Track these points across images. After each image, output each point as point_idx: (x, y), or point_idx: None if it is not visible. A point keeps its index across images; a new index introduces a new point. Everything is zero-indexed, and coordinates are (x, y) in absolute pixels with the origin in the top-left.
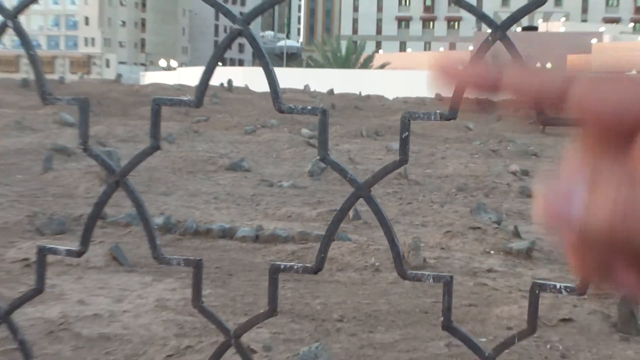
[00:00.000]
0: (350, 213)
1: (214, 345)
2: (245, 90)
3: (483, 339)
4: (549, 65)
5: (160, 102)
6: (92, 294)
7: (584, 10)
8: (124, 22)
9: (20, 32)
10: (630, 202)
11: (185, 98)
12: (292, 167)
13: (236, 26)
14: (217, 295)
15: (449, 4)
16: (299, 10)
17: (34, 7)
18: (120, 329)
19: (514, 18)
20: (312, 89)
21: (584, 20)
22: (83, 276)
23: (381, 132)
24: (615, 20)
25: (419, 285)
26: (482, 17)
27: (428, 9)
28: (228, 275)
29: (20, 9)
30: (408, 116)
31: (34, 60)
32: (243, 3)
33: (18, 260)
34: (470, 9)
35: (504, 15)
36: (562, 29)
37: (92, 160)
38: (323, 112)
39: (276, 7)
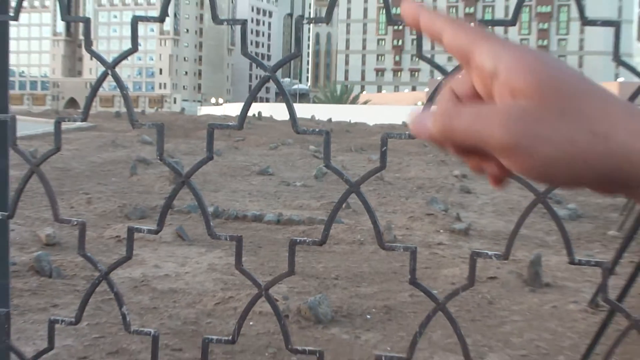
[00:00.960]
0: (347, 204)
1: (249, 295)
2: (270, 119)
3: (435, 292)
4: None
5: (213, 126)
6: (164, 260)
7: None
8: (186, 72)
9: (116, 78)
10: (449, 115)
11: (231, 123)
12: (303, 172)
13: (267, 73)
14: (250, 261)
15: (412, 59)
16: (308, 63)
17: (124, 61)
18: (183, 285)
19: (459, 66)
20: (316, 118)
21: None
22: (157, 248)
23: (364, 148)
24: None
25: (391, 253)
26: (437, 67)
27: (397, 62)
28: (258, 247)
29: (117, 62)
30: (386, 136)
31: (126, 98)
32: (268, 57)
33: (112, 237)
34: (428, 60)
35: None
36: None
37: (165, 167)
38: (327, 133)
39: (292, 60)
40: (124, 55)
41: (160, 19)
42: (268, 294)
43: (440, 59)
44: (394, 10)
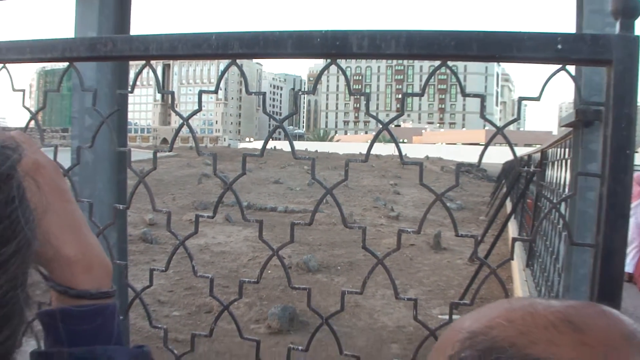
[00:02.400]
0: (325, 199)
1: (267, 255)
2: (281, 150)
3: (378, 253)
4: (406, 140)
5: (245, 154)
6: (218, 234)
7: (420, 119)
8: (231, 123)
9: (189, 126)
10: None
11: (256, 153)
12: (300, 182)
13: (277, 123)
14: (268, 235)
15: (364, 116)
16: (303, 117)
17: (196, 115)
18: (229, 248)
19: (391, 120)
20: (308, 150)
21: (420, 123)
22: (214, 227)
23: (337, 168)
24: (432, 123)
25: (353, 231)
26: (376, 119)
27: (356, 117)
28: (273, 227)
29: (189, 117)
30: (348, 161)
31: (195, 138)
32: (280, 113)
33: (187, 220)
34: (373, 116)
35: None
36: (410, 126)
37: (218, 179)
38: (312, 159)
39: (293, 116)
40: (194, 113)
41: (215, 92)
42: (278, 254)
43: (381, 116)
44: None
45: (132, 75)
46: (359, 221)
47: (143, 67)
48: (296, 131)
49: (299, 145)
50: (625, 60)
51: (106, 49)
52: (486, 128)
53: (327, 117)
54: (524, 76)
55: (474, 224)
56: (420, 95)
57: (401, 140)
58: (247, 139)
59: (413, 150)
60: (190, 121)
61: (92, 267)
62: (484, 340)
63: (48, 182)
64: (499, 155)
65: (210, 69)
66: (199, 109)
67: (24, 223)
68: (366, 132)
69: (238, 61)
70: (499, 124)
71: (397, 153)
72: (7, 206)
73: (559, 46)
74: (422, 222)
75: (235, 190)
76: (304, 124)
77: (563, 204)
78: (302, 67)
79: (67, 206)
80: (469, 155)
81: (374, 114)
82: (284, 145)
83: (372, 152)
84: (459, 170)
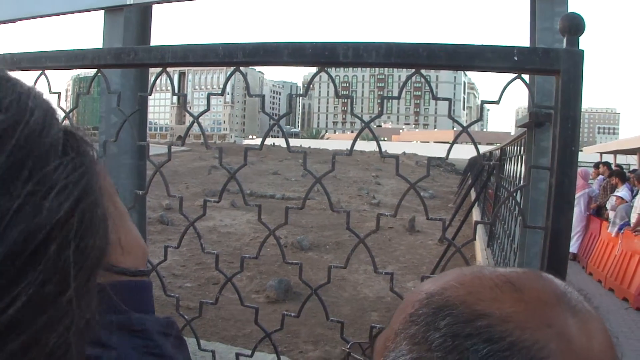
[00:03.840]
0: (316, 189)
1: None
2: (279, 147)
3: (361, 234)
4: (385, 139)
5: (247, 148)
6: (225, 217)
7: (397, 121)
8: (237, 122)
9: (200, 125)
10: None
11: (256, 147)
12: (295, 172)
13: (274, 121)
14: (267, 218)
15: (351, 117)
16: (298, 118)
17: (207, 115)
18: (233, 230)
19: (372, 119)
20: (302, 146)
21: (398, 124)
22: (221, 211)
23: (327, 161)
24: (408, 124)
25: (341, 215)
26: (359, 119)
27: (343, 118)
28: (272, 211)
29: (199, 115)
30: (334, 154)
31: (204, 135)
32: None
33: (199, 205)
34: (357, 116)
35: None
36: (390, 126)
37: (225, 171)
38: (304, 153)
39: (292, 115)
40: (203, 112)
41: (221, 94)
42: (274, 234)
43: (365, 117)
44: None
45: (151, 80)
46: (345, 207)
47: (160, 73)
48: (292, 130)
49: (294, 142)
50: (571, 70)
51: (129, 58)
52: (454, 129)
53: (318, 118)
54: (487, 84)
55: (443, 210)
56: (397, 98)
57: (382, 139)
58: (251, 137)
59: (392, 147)
60: (201, 120)
61: (131, 250)
62: (439, 299)
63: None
64: (465, 152)
65: (220, 76)
66: (207, 109)
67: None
68: (352, 131)
69: (242, 69)
70: (465, 124)
71: (378, 149)
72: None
73: (516, 58)
74: (398, 208)
75: (239, 179)
76: (299, 124)
77: (518, 193)
78: (298, 75)
79: (111, 191)
80: (440, 152)
81: (359, 115)
82: (281, 142)
83: (357, 148)
84: (429, 163)
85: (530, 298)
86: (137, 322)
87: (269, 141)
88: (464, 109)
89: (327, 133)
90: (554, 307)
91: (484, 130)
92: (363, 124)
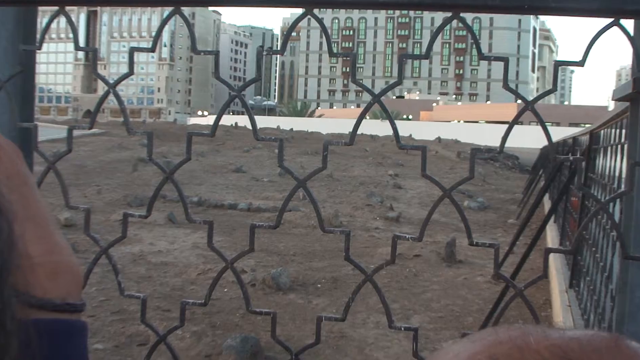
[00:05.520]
0: (300, 196)
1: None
2: (245, 128)
3: (372, 266)
4: (410, 116)
5: (192, 134)
6: (158, 239)
7: (429, 87)
8: (179, 90)
9: (117, 96)
10: None
11: (206, 132)
12: (269, 170)
13: (233, 93)
14: (226, 241)
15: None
16: (275, 84)
17: (130, 81)
18: (172, 259)
19: (385, 90)
20: (281, 128)
21: (429, 93)
22: (153, 229)
23: (319, 152)
24: (446, 94)
25: (337, 236)
26: (367, 90)
27: (345, 85)
28: (232, 229)
29: (116, 83)
30: (327, 143)
31: (124, 112)
32: (244, 79)
33: (117, 220)
34: (361, 85)
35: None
36: (417, 98)
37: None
38: (280, 140)
39: (262, 82)
40: (122, 78)
41: (151, 50)
42: (233, 267)
43: (379, 83)
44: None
45: (42, 25)
46: (347, 223)
47: (56, 14)
48: (265, 103)
49: (269, 121)
50: None
51: None
52: (518, 102)
53: (306, 85)
54: (571, 33)
55: (500, 229)
56: (425, 57)
57: (403, 117)
58: (200, 113)
59: (420, 129)
60: (122, 88)
61: (58, 273)
62: None
63: (8, 167)
64: (534, 138)
65: (152, 18)
66: (130, 72)
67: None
68: (358, 105)
69: (188, 9)
70: (536, 94)
71: (394, 135)
72: None
73: None
74: (424, 227)
75: (183, 181)
76: (276, 94)
77: (616, 203)
78: (275, 18)
79: (31, 196)
80: (496, 137)
81: (369, 80)
82: (249, 122)
83: (365, 131)
84: (474, 156)
85: None
86: None
87: (228, 120)
88: (533, 71)
89: (319, 108)
90: None
91: (565, 104)
92: (371, 98)
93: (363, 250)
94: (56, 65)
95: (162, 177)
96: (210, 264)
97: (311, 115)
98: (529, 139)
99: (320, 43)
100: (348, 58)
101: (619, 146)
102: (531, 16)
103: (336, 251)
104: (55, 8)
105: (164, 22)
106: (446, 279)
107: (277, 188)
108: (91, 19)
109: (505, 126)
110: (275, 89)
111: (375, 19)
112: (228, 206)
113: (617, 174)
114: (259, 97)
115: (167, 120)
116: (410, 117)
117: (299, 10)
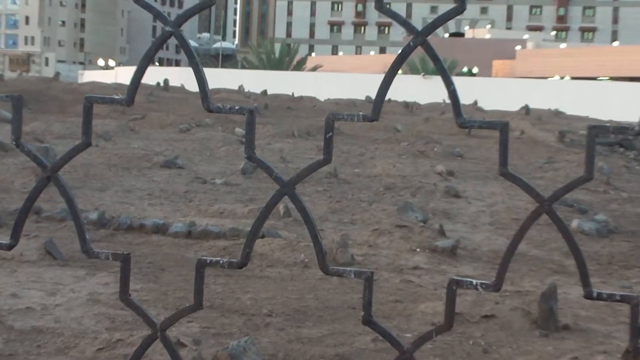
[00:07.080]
0: (281, 210)
1: (143, 338)
2: (181, 89)
3: (408, 335)
4: (475, 69)
5: (93, 100)
6: (25, 287)
7: (509, 18)
8: (63, 22)
9: None
10: None
11: (117, 97)
12: (225, 165)
13: (167, 28)
14: (149, 289)
15: None
16: (235, 14)
17: None
18: (52, 322)
19: (435, 25)
20: (246, 90)
21: (509, 28)
22: (17, 270)
23: (312, 132)
24: (539, 28)
25: (346, 281)
26: (403, 24)
27: (359, 14)
28: (160, 270)
29: None
30: (332, 117)
31: None
32: (180, 5)
33: None
34: (392, 15)
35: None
36: (487, 36)
37: (29, 159)
38: (250, 112)
39: (212, 10)
40: None
41: None
42: (165, 336)
43: (421, 10)
44: None
45: None
46: (364, 259)
47: None
48: (219, 45)
49: (227, 77)
50: None
51: None
52: None
53: (290, 14)
54: None
55: (638, 269)
56: None
57: (465, 70)
58: (103, 63)
59: (494, 92)
60: None
61: None
62: None
63: None
64: None
65: None
66: None
67: None
68: (383, 50)
69: None
70: None
71: (453, 107)
72: None
73: None
74: (506, 265)
75: (74, 183)
76: (238, 30)
77: None
78: None
79: None
80: (630, 107)
81: (402, 5)
82: (188, 78)
83: (401, 96)
84: (593, 141)
85: None
86: None
87: (152, 76)
88: None
89: (312, 54)
90: None
91: None
92: (411, 37)
93: (393, 306)
94: None
95: (38, 178)
96: (122, 331)
97: (299, 67)
98: None
99: None
100: None
101: None
102: None
103: (344, 308)
104: None
105: None
106: (541, 357)
107: (238, 196)
108: None
109: None
110: (236, 22)
111: None
112: (152, 228)
113: None
114: (206, 34)
115: (42, 74)
116: (475, 70)
117: None
